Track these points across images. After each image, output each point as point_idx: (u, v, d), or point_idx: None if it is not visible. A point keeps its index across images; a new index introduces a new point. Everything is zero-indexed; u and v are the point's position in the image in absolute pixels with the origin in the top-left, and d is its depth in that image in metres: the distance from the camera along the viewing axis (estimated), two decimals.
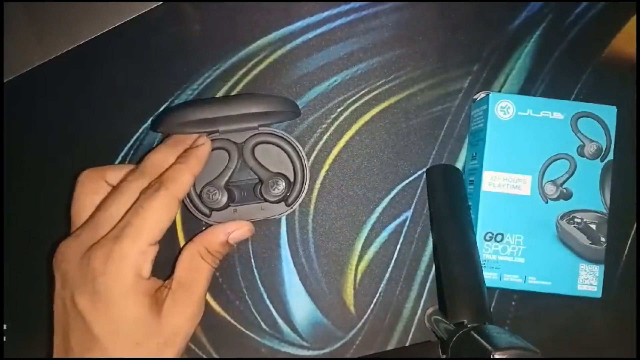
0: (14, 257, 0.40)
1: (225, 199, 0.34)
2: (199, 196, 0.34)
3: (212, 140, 0.35)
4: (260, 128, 0.35)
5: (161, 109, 0.40)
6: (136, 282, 0.29)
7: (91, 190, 0.32)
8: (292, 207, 0.35)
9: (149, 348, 0.29)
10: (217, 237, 0.32)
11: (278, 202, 0.35)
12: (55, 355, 0.30)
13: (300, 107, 0.37)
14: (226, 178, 0.35)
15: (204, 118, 0.33)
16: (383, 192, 0.40)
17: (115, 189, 0.32)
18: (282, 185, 0.34)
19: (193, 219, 0.40)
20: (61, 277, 0.30)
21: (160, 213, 0.30)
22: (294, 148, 0.35)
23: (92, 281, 0.28)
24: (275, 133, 0.35)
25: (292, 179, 0.35)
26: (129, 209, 0.30)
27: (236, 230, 0.33)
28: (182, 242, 0.40)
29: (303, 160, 0.35)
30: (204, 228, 0.40)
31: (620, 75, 0.41)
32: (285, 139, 0.35)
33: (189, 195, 0.34)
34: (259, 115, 0.34)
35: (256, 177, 0.35)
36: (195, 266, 0.32)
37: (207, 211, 0.35)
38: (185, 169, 0.32)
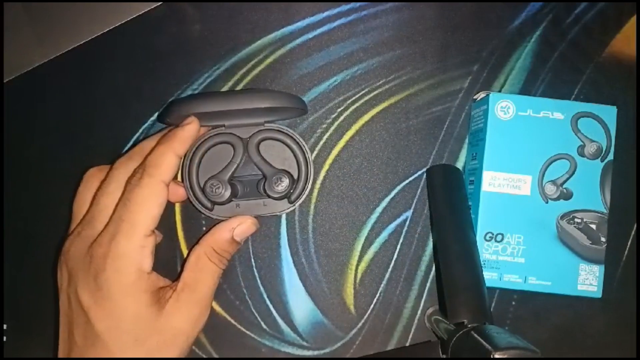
0: (14, 257, 0.40)
1: (228, 193, 0.34)
2: (202, 189, 0.34)
3: (217, 134, 0.35)
4: (266, 124, 0.35)
5: (161, 109, 0.40)
6: (137, 278, 0.29)
7: (93, 187, 0.32)
8: (294, 205, 0.35)
9: (149, 346, 0.29)
10: (222, 235, 0.32)
11: (281, 199, 0.35)
12: (60, 350, 0.30)
13: None
14: (230, 172, 0.35)
15: (211, 111, 0.33)
16: (383, 192, 0.40)
17: (104, 179, 0.32)
18: (286, 182, 0.34)
19: (193, 219, 0.40)
20: (67, 274, 0.30)
21: (149, 203, 0.29)
22: (300, 146, 0.35)
23: (95, 278, 0.29)
24: (282, 130, 0.35)
25: (295, 177, 0.35)
26: (119, 200, 0.30)
27: (240, 225, 0.33)
28: (182, 241, 0.40)
29: (308, 158, 0.35)
30: (204, 227, 0.40)
31: (620, 75, 0.41)
32: (291, 136, 0.35)
33: (192, 187, 0.34)
34: (266, 111, 0.34)
35: (260, 173, 0.35)
36: (201, 267, 0.31)
37: (209, 205, 0.34)
38: (167, 150, 0.31)
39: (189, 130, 0.32)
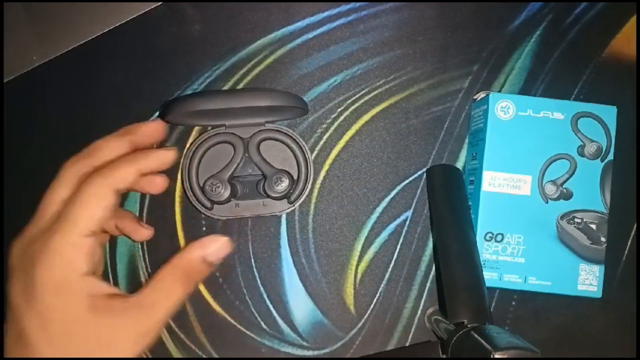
0: None
1: (227, 192, 0.34)
2: (202, 188, 0.34)
3: (218, 133, 0.35)
4: (267, 124, 0.35)
5: (162, 106, 0.40)
6: (69, 278, 0.28)
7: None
8: (294, 205, 0.35)
9: (79, 352, 0.27)
10: (193, 256, 0.29)
11: (280, 199, 0.35)
12: (5, 349, 0.29)
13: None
14: (230, 172, 0.35)
15: (213, 109, 0.33)
16: (383, 192, 0.40)
17: (56, 177, 0.31)
18: (286, 182, 0.34)
19: (193, 219, 0.40)
20: (7, 273, 0.29)
21: (93, 203, 0.28)
22: (300, 146, 0.35)
23: (26, 274, 0.28)
24: (282, 130, 0.35)
25: (295, 177, 0.35)
26: (70, 197, 0.29)
27: (213, 245, 0.29)
28: (182, 241, 0.40)
29: (308, 158, 0.35)
30: (204, 227, 0.40)
31: (620, 75, 0.41)
32: (292, 137, 0.35)
33: (191, 186, 0.34)
34: (267, 110, 0.34)
35: (260, 172, 0.35)
36: (164, 289, 0.29)
37: (209, 204, 0.34)
38: (129, 161, 0.29)
39: (164, 156, 0.31)
